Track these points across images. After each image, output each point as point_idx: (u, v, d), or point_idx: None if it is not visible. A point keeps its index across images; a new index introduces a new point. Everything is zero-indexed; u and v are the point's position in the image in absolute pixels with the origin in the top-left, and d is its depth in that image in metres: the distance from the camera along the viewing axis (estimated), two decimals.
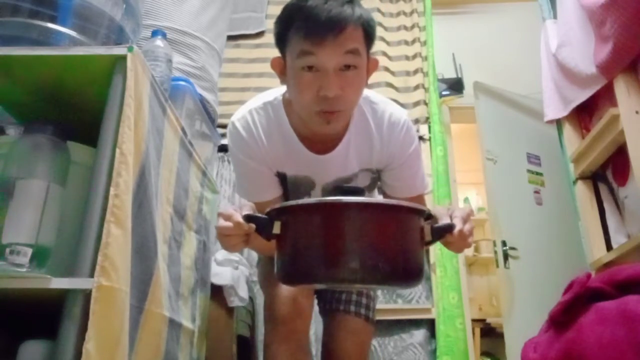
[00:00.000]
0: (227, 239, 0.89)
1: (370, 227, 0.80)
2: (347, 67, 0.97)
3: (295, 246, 0.83)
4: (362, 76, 1.02)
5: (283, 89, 1.13)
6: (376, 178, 1.24)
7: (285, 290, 1.15)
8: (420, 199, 1.21)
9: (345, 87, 0.98)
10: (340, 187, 0.88)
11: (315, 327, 2.09)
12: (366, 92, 1.14)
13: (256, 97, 1.17)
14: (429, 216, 0.89)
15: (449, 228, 0.88)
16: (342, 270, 0.79)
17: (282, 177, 1.19)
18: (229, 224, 0.87)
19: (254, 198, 1.15)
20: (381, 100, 1.17)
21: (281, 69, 1.05)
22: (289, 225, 0.84)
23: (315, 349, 2.10)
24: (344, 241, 0.79)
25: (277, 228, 0.84)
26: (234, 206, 0.92)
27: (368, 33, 1.00)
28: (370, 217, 0.81)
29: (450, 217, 0.91)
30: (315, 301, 1.33)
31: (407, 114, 1.19)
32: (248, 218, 0.86)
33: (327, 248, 0.80)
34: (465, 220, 0.91)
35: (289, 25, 0.99)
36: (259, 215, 0.87)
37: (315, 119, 1.02)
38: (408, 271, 0.83)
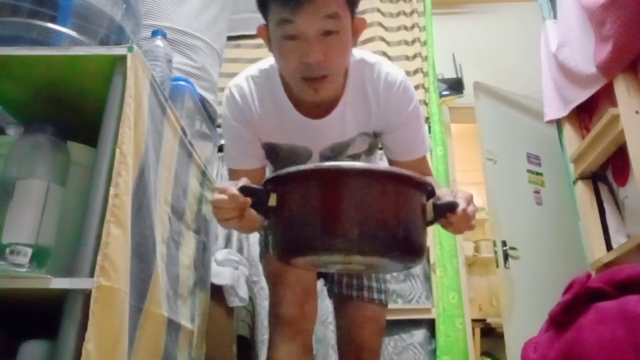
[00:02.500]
0: (222, 212, 0.88)
1: (369, 194, 0.78)
2: (329, 32, 0.95)
3: (292, 216, 0.81)
4: (346, 39, 0.99)
5: None
6: (375, 142, 1.22)
7: (291, 291, 1.15)
8: (422, 162, 1.19)
9: (327, 52, 0.96)
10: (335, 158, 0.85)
11: (316, 328, 2.09)
12: (361, 53, 1.11)
13: (254, 65, 1.16)
14: (432, 194, 0.87)
15: (453, 206, 0.86)
16: (340, 239, 0.77)
17: (274, 149, 1.18)
18: (223, 196, 0.86)
19: (239, 165, 1.16)
20: (377, 61, 1.14)
21: (267, 37, 1.03)
22: (286, 194, 0.81)
23: (316, 349, 2.10)
24: (342, 208, 0.77)
25: (272, 200, 0.82)
26: (229, 181, 0.92)
27: None
28: (369, 184, 0.79)
29: (454, 198, 0.89)
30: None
31: (404, 73, 1.15)
32: (244, 189, 0.85)
33: (325, 216, 0.78)
34: (469, 201, 0.88)
35: None
36: (255, 186, 0.85)
37: (303, 87, 1.01)
38: (408, 243, 0.80)
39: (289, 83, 1.06)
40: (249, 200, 0.85)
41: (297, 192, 0.81)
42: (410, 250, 0.82)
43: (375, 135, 1.19)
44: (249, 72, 1.15)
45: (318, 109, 1.10)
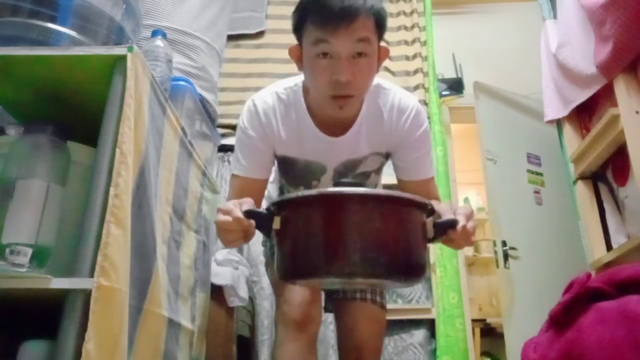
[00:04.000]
0: (226, 233, 0.90)
1: (370, 219, 0.79)
2: (359, 54, 1.03)
3: (295, 240, 0.83)
4: (373, 63, 1.08)
5: (302, 76, 1.18)
6: (384, 163, 1.31)
7: (298, 294, 1.18)
8: (430, 183, 1.25)
9: (356, 73, 1.04)
10: (340, 182, 0.88)
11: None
12: (378, 79, 1.20)
13: (278, 82, 1.24)
14: (432, 212, 0.89)
15: (452, 223, 0.88)
16: (342, 263, 0.78)
17: (290, 162, 1.24)
18: (228, 218, 0.88)
19: (248, 173, 1.20)
20: (392, 87, 1.24)
21: (298, 57, 1.12)
22: (289, 219, 0.84)
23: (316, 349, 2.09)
24: (344, 233, 0.79)
25: (277, 223, 0.84)
26: (234, 201, 0.94)
27: (379, 22, 1.06)
28: (371, 209, 0.80)
29: (454, 214, 0.92)
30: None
31: (416, 100, 1.25)
32: (248, 213, 0.87)
33: (328, 241, 0.79)
34: (469, 217, 0.92)
35: (305, 15, 1.05)
36: (259, 210, 0.88)
37: (329, 103, 1.08)
38: (409, 265, 0.82)
39: (316, 98, 1.13)
40: (252, 223, 0.88)
41: (300, 216, 0.83)
42: (411, 271, 0.83)
43: (387, 156, 1.27)
44: (275, 89, 1.22)
45: (336, 128, 1.18)
